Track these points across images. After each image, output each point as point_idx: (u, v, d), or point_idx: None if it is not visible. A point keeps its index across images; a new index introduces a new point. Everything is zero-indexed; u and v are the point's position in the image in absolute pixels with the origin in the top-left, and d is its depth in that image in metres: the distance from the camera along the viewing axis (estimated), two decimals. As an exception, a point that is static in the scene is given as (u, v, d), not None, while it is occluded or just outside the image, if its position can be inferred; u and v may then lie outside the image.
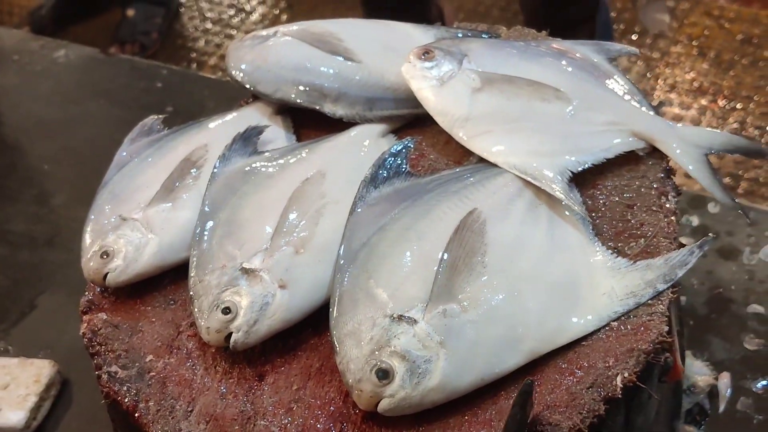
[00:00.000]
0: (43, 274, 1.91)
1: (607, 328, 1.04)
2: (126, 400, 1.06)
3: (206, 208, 1.16)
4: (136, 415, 1.04)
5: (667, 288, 1.06)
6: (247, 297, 1.06)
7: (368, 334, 1.00)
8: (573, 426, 0.96)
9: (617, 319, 1.05)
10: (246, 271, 1.08)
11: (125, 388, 1.07)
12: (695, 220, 1.84)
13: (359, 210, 1.12)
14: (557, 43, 1.32)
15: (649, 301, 1.05)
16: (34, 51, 2.43)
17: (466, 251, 1.04)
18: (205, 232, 1.13)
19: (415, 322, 1.00)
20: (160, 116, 1.38)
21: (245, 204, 1.15)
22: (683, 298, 1.70)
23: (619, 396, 0.98)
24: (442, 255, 1.03)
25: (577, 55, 1.28)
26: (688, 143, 1.19)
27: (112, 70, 2.36)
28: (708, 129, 1.23)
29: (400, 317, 1.00)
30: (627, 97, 1.24)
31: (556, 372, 1.02)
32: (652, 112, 1.23)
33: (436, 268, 1.02)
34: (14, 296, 1.88)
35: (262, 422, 1.02)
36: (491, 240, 1.07)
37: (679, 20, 3.51)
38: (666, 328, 1.03)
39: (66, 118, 2.22)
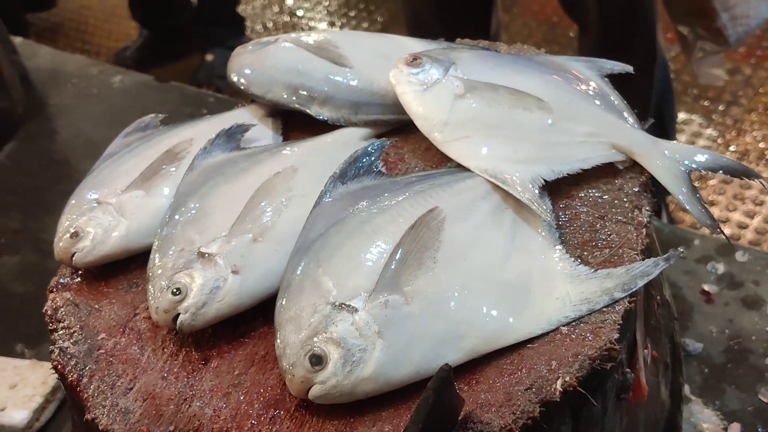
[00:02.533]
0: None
1: (555, 332, 1.01)
2: (71, 375, 1.06)
3: (177, 197, 1.17)
4: (79, 389, 1.05)
5: (625, 297, 1.02)
6: (198, 279, 1.06)
7: (308, 320, 0.99)
8: (504, 426, 0.93)
9: (567, 324, 1.01)
10: (202, 255, 1.08)
11: (73, 363, 1.07)
12: (721, 268, 1.78)
13: (323, 203, 1.11)
14: (550, 58, 1.30)
15: (604, 309, 1.01)
16: (93, 75, 2.52)
17: (419, 246, 1.02)
18: (172, 218, 1.14)
19: (356, 310, 0.98)
20: (160, 115, 1.40)
21: (214, 193, 1.16)
22: (699, 345, 1.64)
23: (557, 400, 0.94)
24: (395, 248, 1.02)
25: (569, 69, 1.26)
26: (669, 159, 1.16)
27: (163, 96, 2.42)
28: (691, 146, 1.19)
29: (342, 305, 0.99)
30: (612, 111, 1.21)
31: (497, 372, 0.98)
32: (636, 127, 1.19)
33: (386, 261, 1.01)
34: (37, 302, 1.89)
35: (197, 404, 1.02)
36: (447, 237, 1.05)
37: (755, 88, 3.45)
38: (616, 336, 0.98)
39: (112, 137, 2.26)
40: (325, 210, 1.11)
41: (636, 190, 1.15)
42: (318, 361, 0.96)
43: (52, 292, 1.18)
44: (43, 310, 1.16)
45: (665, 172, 1.15)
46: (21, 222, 2.14)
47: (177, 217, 1.14)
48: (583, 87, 1.24)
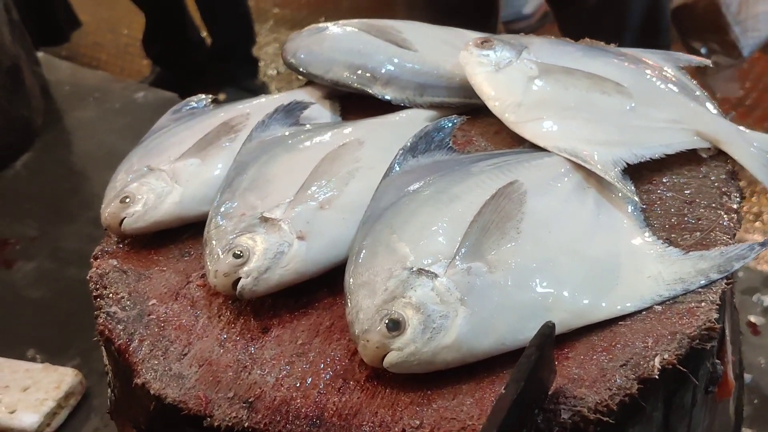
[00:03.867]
0: (87, 291, 1.87)
1: (649, 311, 0.94)
2: (119, 340, 0.98)
3: (235, 165, 1.11)
4: (128, 353, 0.96)
5: (721, 278, 0.95)
6: (262, 243, 0.99)
7: (383, 284, 0.92)
8: (600, 401, 0.85)
9: (661, 303, 0.94)
10: (265, 220, 1.01)
11: (121, 327, 1.00)
12: (767, 300, 1.72)
13: (393, 174, 1.05)
14: (623, 50, 1.26)
15: (699, 290, 0.95)
16: (115, 91, 2.47)
17: (500, 216, 0.96)
18: (231, 184, 1.08)
19: (436, 276, 0.91)
20: (210, 96, 1.34)
21: (275, 161, 1.10)
22: (748, 376, 1.58)
23: (656, 377, 0.87)
24: (475, 217, 0.95)
25: (645, 59, 1.21)
26: (756, 148, 1.10)
27: (186, 112, 2.36)
28: (781, 137, 1.14)
29: (420, 270, 0.92)
30: (694, 99, 1.16)
31: (588, 347, 0.91)
32: (719, 115, 1.14)
33: (466, 229, 0.94)
34: (52, 308, 1.85)
35: (257, 371, 0.94)
36: (529, 210, 0.98)
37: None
38: (716, 316, 0.92)
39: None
40: (396, 181, 1.04)
41: (723, 177, 1.09)
42: (395, 326, 0.88)
43: (97, 258, 1.10)
44: (87, 277, 1.08)
45: (754, 161, 1.10)
46: (37, 229, 2.07)
47: (236, 183, 1.07)
48: (663, 75, 1.18)
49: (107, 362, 1.06)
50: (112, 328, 0.99)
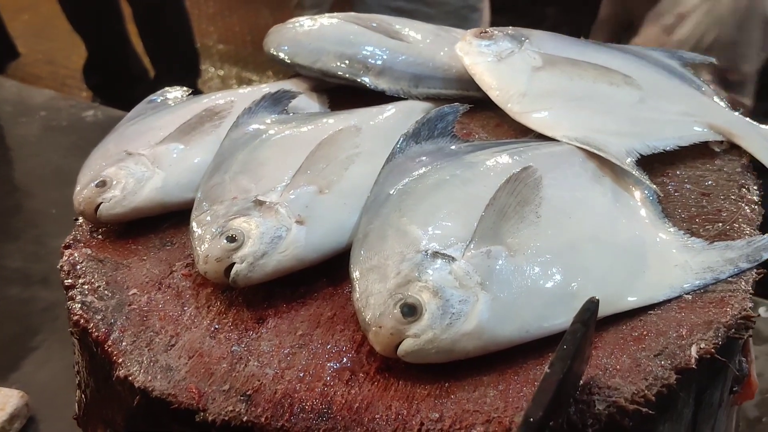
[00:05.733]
0: (31, 311, 1.76)
1: (679, 300, 0.87)
2: (98, 330, 0.88)
3: (223, 149, 1.03)
4: (107, 345, 0.87)
5: (751, 268, 0.90)
6: (258, 227, 0.91)
7: (396, 268, 0.84)
8: (637, 391, 0.78)
9: (691, 292, 0.88)
10: (260, 203, 0.93)
11: (99, 317, 0.90)
12: (745, 324, 1.68)
13: (396, 159, 0.98)
14: (625, 46, 1.21)
15: (730, 279, 0.89)
16: (62, 109, 2.36)
17: (517, 200, 0.89)
18: (220, 167, 0.99)
19: (453, 259, 0.84)
20: (187, 89, 1.26)
21: (268, 145, 1.02)
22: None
23: (694, 367, 0.80)
24: (491, 201, 0.88)
25: (649, 55, 1.17)
26: (771, 141, 1.06)
27: (139, 132, 2.27)
28: (793, 130, 1.10)
29: (436, 253, 0.84)
30: (703, 92, 1.11)
31: (618, 337, 0.84)
32: (730, 109, 1.10)
33: (482, 213, 0.87)
34: (-7, 327, 1.72)
35: (254, 363, 0.84)
36: (547, 195, 0.92)
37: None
38: (750, 305, 0.86)
39: (87, 167, 2.11)
40: (400, 166, 0.97)
41: (738, 170, 1.04)
42: (411, 311, 0.80)
43: (68, 247, 1.00)
44: (58, 266, 0.98)
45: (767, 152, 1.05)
46: (-22, 247, 1.94)
47: (226, 165, 0.99)
48: (668, 70, 1.14)
49: (79, 358, 0.95)
50: (89, 318, 0.89)
